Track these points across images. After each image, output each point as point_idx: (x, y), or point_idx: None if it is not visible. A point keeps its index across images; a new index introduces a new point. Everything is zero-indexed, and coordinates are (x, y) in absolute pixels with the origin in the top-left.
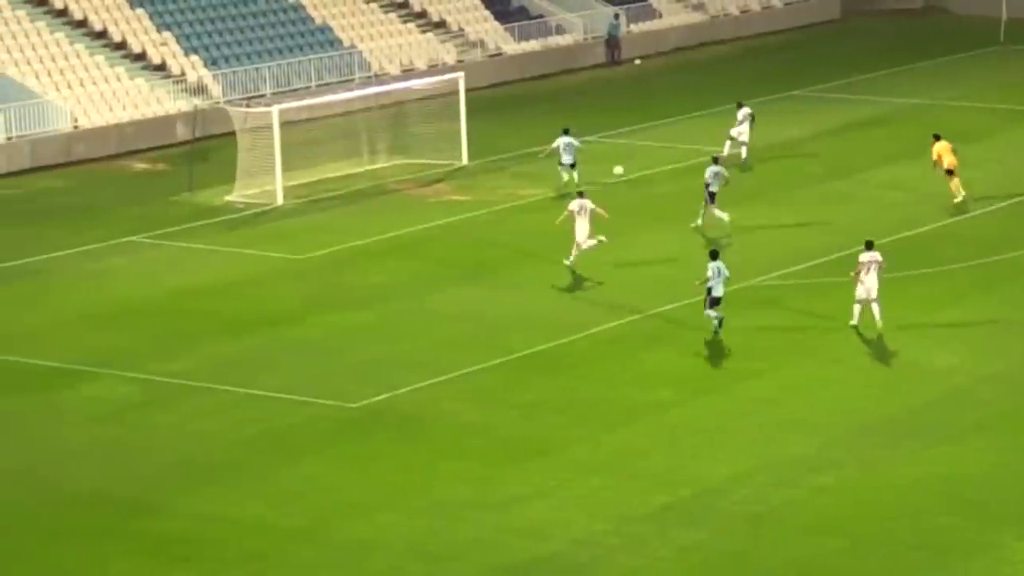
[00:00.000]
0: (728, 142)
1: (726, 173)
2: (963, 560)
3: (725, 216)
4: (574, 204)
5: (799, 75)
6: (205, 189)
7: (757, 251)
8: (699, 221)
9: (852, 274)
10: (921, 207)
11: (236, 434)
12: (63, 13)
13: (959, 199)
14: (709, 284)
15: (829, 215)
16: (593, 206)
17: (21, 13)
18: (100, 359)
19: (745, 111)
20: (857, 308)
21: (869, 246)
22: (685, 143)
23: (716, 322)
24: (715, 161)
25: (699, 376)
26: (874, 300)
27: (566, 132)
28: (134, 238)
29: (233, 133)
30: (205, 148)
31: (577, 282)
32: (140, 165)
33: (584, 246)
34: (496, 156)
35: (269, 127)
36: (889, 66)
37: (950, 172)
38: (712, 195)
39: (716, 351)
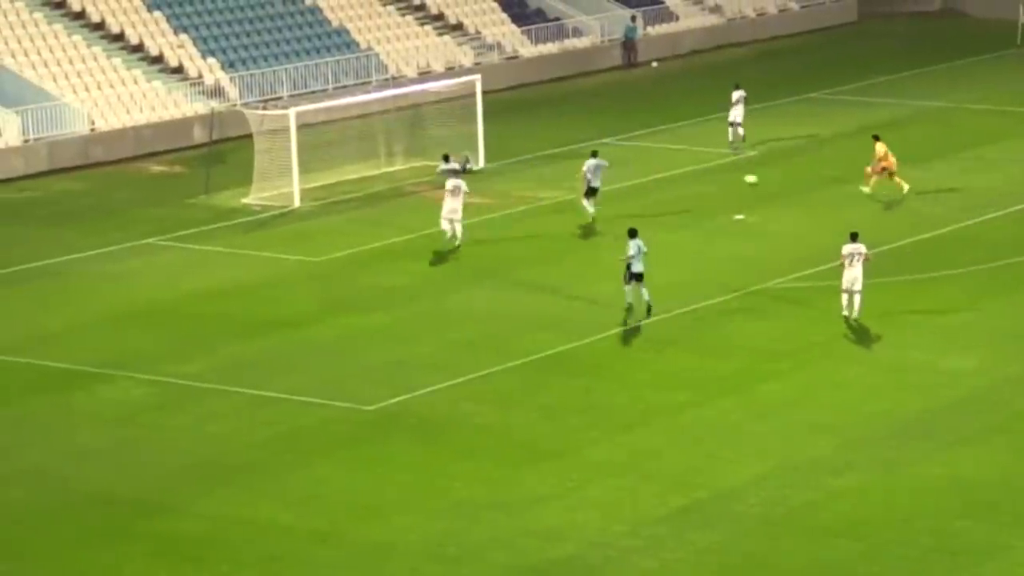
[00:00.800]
0: (730, 129)
1: (606, 164)
2: (978, 563)
3: (591, 210)
4: (449, 183)
5: (816, 77)
6: (222, 191)
7: (774, 252)
8: (590, 209)
9: (838, 265)
10: (938, 209)
11: (251, 436)
12: (80, 15)
13: (906, 189)
14: (630, 261)
15: (846, 217)
16: (467, 190)
17: (39, 15)
18: (115, 361)
19: (739, 93)
20: (845, 298)
21: (853, 237)
22: (702, 146)
23: (630, 300)
24: (594, 155)
25: (716, 377)
26: (856, 291)
27: (446, 158)
28: (150, 240)
29: (250, 135)
30: (222, 150)
31: (594, 284)
32: (157, 167)
33: (444, 220)
34: (513, 158)
35: (286, 129)
36: (906, 68)
37: (891, 173)
38: (594, 190)
39: (732, 353)
